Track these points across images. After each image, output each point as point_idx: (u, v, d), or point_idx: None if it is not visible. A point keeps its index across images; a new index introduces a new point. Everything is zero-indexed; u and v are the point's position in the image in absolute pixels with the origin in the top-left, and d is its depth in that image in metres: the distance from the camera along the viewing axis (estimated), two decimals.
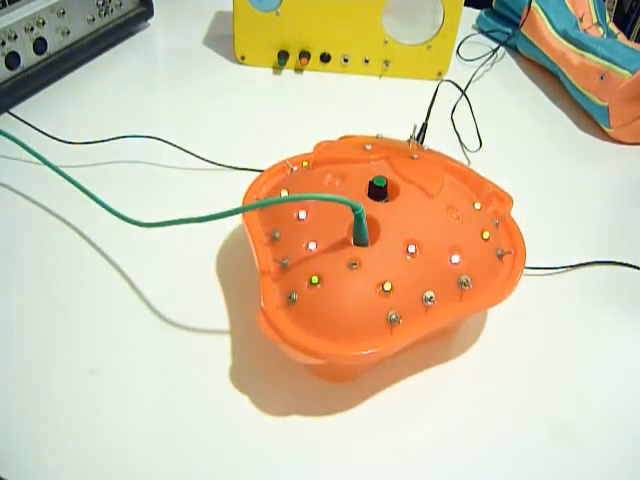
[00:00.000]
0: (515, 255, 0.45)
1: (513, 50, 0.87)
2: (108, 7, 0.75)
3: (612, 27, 0.81)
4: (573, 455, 0.42)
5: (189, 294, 0.50)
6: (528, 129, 0.74)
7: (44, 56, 0.69)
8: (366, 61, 0.78)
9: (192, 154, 0.62)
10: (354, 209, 0.39)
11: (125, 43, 0.80)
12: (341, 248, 0.41)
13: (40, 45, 0.67)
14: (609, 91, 0.69)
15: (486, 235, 0.44)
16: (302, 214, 0.44)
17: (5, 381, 0.43)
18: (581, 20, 0.79)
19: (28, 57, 0.67)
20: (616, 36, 0.79)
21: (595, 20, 0.79)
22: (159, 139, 0.63)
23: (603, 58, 0.71)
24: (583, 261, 0.56)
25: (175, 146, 0.62)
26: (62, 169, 0.52)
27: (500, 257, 0.45)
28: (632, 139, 0.72)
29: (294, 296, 0.40)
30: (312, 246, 0.42)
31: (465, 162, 0.66)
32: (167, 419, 0.42)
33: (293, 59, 0.77)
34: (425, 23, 0.76)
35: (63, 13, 0.68)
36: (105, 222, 0.51)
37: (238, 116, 0.70)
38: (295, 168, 0.49)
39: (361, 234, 0.41)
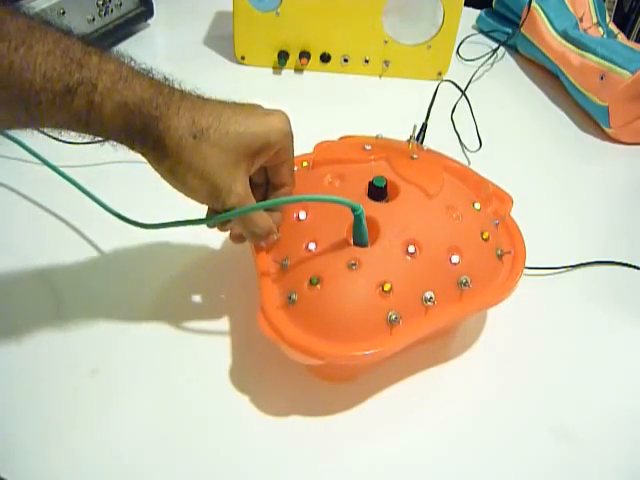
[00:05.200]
0: (515, 255, 0.45)
1: (513, 50, 0.87)
2: (108, 7, 0.75)
3: (612, 27, 0.81)
4: (573, 454, 0.42)
5: (189, 294, 0.50)
6: (528, 129, 0.74)
7: None
8: (366, 61, 0.78)
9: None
10: (354, 210, 0.39)
11: (125, 43, 0.80)
12: (341, 248, 0.41)
13: None
14: (609, 91, 0.69)
15: (486, 235, 0.44)
16: (302, 214, 0.44)
17: (5, 381, 0.43)
18: (581, 20, 0.79)
19: None
20: (616, 36, 0.79)
21: (595, 20, 0.79)
22: None
23: (603, 58, 0.71)
24: (583, 261, 0.56)
25: None
26: (62, 169, 0.52)
27: (500, 257, 0.45)
28: (632, 139, 0.71)
29: (294, 296, 0.40)
30: (312, 246, 0.42)
31: (465, 162, 0.66)
32: (167, 419, 0.42)
33: (293, 59, 0.77)
34: (425, 23, 0.76)
35: (63, 13, 0.68)
36: (105, 222, 0.51)
37: None
38: (295, 168, 0.49)
39: (361, 234, 0.41)
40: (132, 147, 0.38)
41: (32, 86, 0.33)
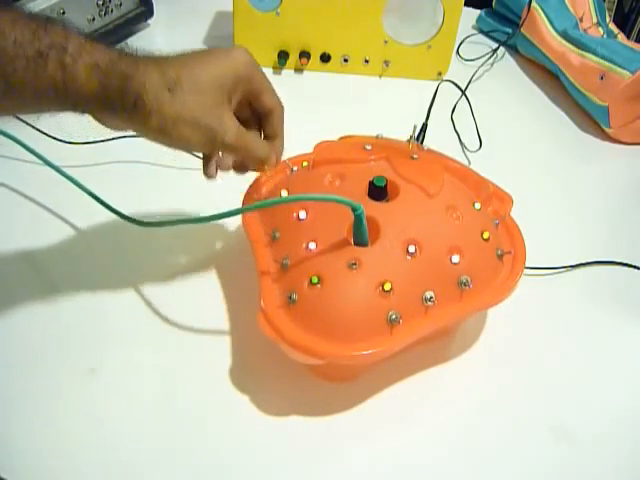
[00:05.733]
0: (515, 255, 0.45)
1: (513, 50, 0.87)
2: (108, 7, 0.75)
3: (612, 27, 0.81)
4: (573, 454, 0.42)
5: (189, 294, 0.50)
6: (528, 129, 0.74)
7: None
8: (366, 61, 0.78)
9: (192, 154, 0.61)
10: (354, 209, 0.39)
11: (125, 43, 0.80)
12: (341, 248, 0.41)
13: None
14: (609, 91, 0.69)
15: (486, 235, 0.44)
16: (302, 214, 0.44)
17: (5, 381, 0.43)
18: (581, 20, 0.79)
19: None
20: (616, 36, 0.79)
21: (595, 20, 0.79)
22: None
23: (603, 58, 0.71)
24: (583, 261, 0.56)
25: None
26: (62, 169, 0.52)
27: (500, 257, 0.45)
28: (632, 139, 0.71)
29: (294, 296, 0.40)
30: (312, 246, 0.42)
31: (465, 162, 0.66)
32: (167, 419, 0.42)
33: (293, 59, 0.77)
34: (425, 23, 0.76)
35: (63, 13, 0.68)
36: (105, 222, 0.51)
37: None
38: (295, 168, 0.49)
39: (361, 234, 0.41)
40: (114, 111, 0.38)
41: (5, 53, 0.33)
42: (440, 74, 0.79)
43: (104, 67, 0.36)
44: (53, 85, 0.35)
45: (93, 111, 0.38)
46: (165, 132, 0.39)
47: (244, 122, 0.44)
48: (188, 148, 0.41)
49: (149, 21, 0.83)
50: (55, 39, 0.35)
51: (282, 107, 0.46)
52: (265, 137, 0.46)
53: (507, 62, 0.86)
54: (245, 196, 0.48)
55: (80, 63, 0.35)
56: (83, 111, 0.38)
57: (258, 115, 0.45)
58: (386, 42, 0.76)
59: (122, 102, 0.37)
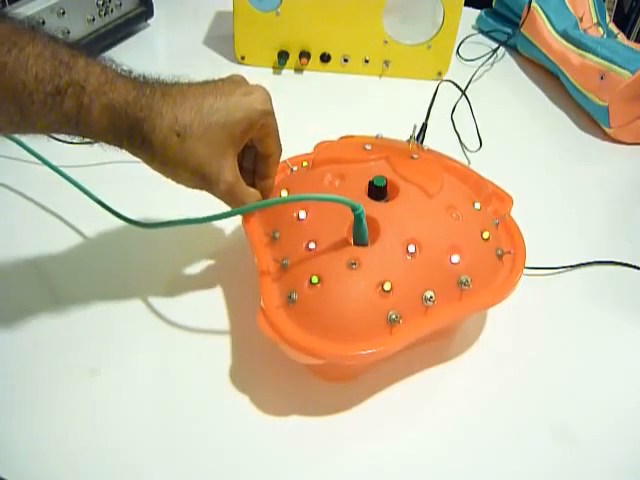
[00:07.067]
0: (515, 255, 0.45)
1: (513, 50, 0.87)
2: (108, 7, 0.75)
3: (612, 27, 0.81)
4: (573, 454, 0.42)
5: (189, 294, 0.50)
6: (528, 129, 0.74)
7: None
8: (366, 61, 0.78)
9: None
10: (354, 209, 0.39)
11: (125, 43, 0.80)
12: (341, 248, 0.41)
13: None
14: (609, 91, 0.69)
15: (486, 235, 0.44)
16: (302, 214, 0.44)
17: (4, 381, 0.43)
18: (581, 20, 0.79)
19: None
20: (616, 36, 0.79)
21: (595, 20, 0.79)
22: None
23: (603, 58, 0.71)
24: (583, 261, 0.56)
25: None
26: (62, 169, 0.52)
27: (500, 257, 0.45)
28: (632, 139, 0.71)
29: (294, 296, 0.40)
30: (312, 246, 0.42)
31: (465, 162, 0.66)
32: (167, 419, 0.42)
33: (293, 59, 0.77)
34: (425, 23, 0.76)
35: (63, 13, 0.68)
36: (105, 222, 0.51)
37: None
38: (295, 168, 0.49)
39: (361, 234, 0.41)
40: (120, 147, 0.39)
41: (25, 87, 0.34)
42: (440, 74, 0.79)
43: (119, 108, 0.37)
44: (66, 120, 0.36)
45: (102, 141, 0.39)
46: (165, 171, 0.41)
47: (245, 154, 0.45)
48: (183, 185, 0.42)
49: (149, 21, 0.83)
50: (75, 77, 0.35)
51: (281, 151, 0.46)
52: (257, 175, 0.46)
53: (507, 62, 0.86)
54: None
55: (96, 103, 0.36)
56: (94, 141, 0.39)
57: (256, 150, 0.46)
58: (386, 42, 0.76)
59: (129, 140, 0.39)
